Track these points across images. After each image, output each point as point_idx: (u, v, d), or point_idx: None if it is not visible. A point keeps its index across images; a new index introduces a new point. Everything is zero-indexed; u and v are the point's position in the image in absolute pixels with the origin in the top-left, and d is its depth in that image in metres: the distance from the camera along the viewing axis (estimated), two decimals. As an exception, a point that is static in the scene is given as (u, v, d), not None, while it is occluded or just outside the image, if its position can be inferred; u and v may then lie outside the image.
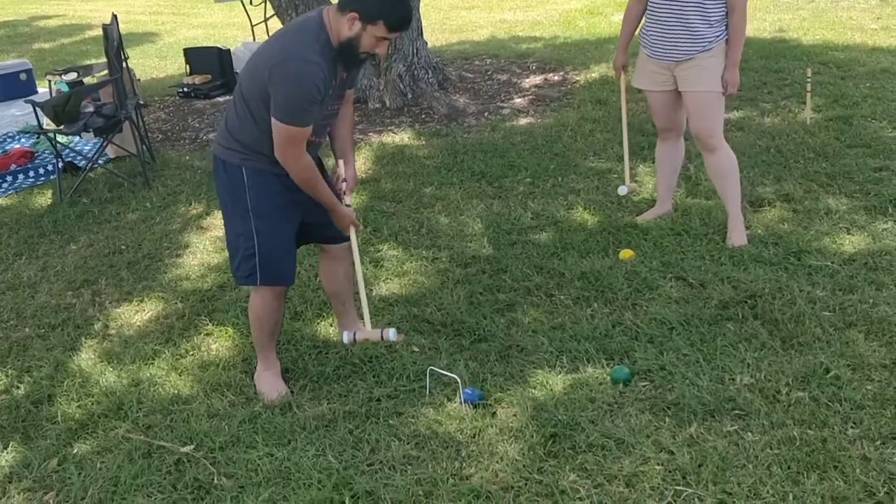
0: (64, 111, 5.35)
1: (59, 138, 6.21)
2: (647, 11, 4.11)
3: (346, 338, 3.10)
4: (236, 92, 2.98)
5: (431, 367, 3.12)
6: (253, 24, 9.93)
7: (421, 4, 7.79)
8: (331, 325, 3.69)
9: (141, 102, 8.47)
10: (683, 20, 3.92)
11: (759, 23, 9.74)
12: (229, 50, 8.72)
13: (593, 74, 7.90)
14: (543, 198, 5.03)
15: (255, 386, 3.26)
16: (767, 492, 2.45)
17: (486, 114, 7.03)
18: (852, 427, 2.71)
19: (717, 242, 4.15)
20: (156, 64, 10.94)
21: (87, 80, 6.76)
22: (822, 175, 4.90)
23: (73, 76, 6.08)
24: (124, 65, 6.05)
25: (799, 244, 4.03)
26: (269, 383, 3.22)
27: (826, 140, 5.49)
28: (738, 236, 4.15)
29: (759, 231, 4.26)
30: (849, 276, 3.69)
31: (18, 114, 8.00)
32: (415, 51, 7.50)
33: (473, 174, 5.52)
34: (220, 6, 14.27)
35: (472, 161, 5.74)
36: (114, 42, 5.60)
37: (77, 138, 6.28)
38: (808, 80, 5.89)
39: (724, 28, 3.94)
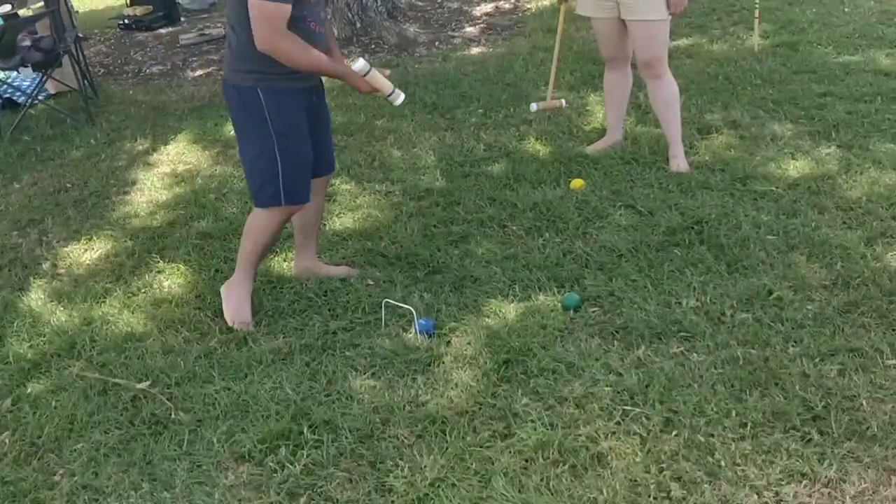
0: (-1, 45, 5.16)
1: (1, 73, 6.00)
2: None
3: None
4: (229, 9, 2.91)
5: (387, 300, 3.15)
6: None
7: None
8: (284, 261, 3.68)
9: (80, 35, 8.20)
10: None
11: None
12: (170, -21, 8.44)
13: (544, 2, 7.83)
14: (496, 129, 5.02)
15: (221, 300, 3.22)
16: (712, 409, 2.54)
17: (437, 43, 6.95)
18: (793, 346, 2.81)
19: (665, 170, 4.21)
20: (91, -6, 10.56)
21: (23, 12, 6.50)
22: (768, 101, 4.97)
23: (6, 8, 5.84)
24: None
25: (745, 170, 4.11)
26: (240, 305, 3.19)
27: (773, 66, 5.55)
28: (680, 161, 4.21)
29: (707, 158, 4.32)
30: (792, 201, 3.78)
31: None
32: (362, -22, 7.34)
33: (426, 106, 5.48)
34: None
35: (424, 92, 5.69)
36: (47, -28, 5.38)
37: (15, 74, 6.06)
38: (756, 5, 5.91)
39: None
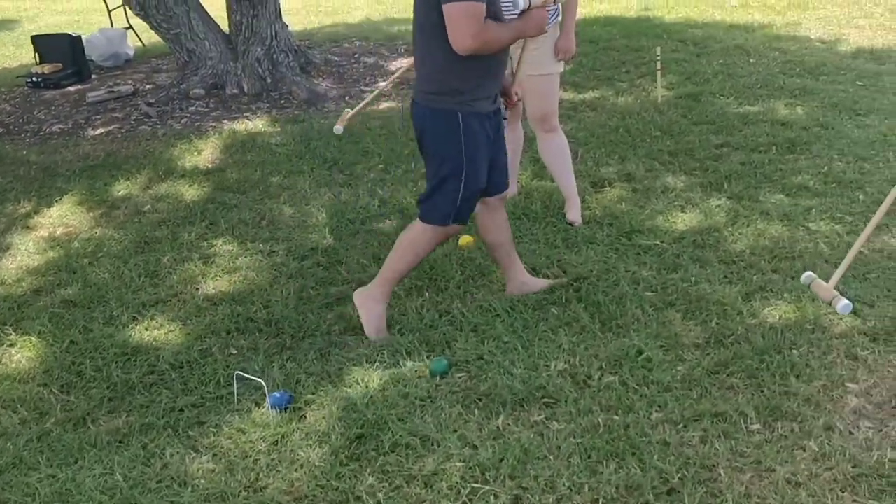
0: None
1: None
2: None
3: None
4: (416, 34, 2.98)
5: (238, 372, 2.96)
6: (109, 9, 9.46)
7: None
8: (146, 329, 3.47)
9: (-17, 94, 7.95)
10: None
11: (627, 1, 9.86)
12: (80, 36, 8.26)
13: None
14: (394, 184, 4.90)
15: (356, 308, 3.30)
16: (563, 484, 2.39)
17: (346, 98, 6.86)
18: (657, 411, 2.68)
19: (554, 224, 4.11)
20: (11, 53, 10.32)
21: None
22: (664, 153, 4.93)
23: None
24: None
25: (632, 224, 4.03)
26: (380, 324, 3.29)
27: (674, 118, 5.54)
28: (575, 213, 4.14)
29: (598, 212, 4.24)
30: (675, 255, 3.70)
31: None
32: (273, 33, 7.26)
33: (325, 161, 5.35)
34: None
35: (326, 148, 5.56)
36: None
37: None
38: (658, 58, 5.94)
39: (555, 6, 3.88)
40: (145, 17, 7.15)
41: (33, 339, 3.46)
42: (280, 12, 7.45)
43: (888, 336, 2.97)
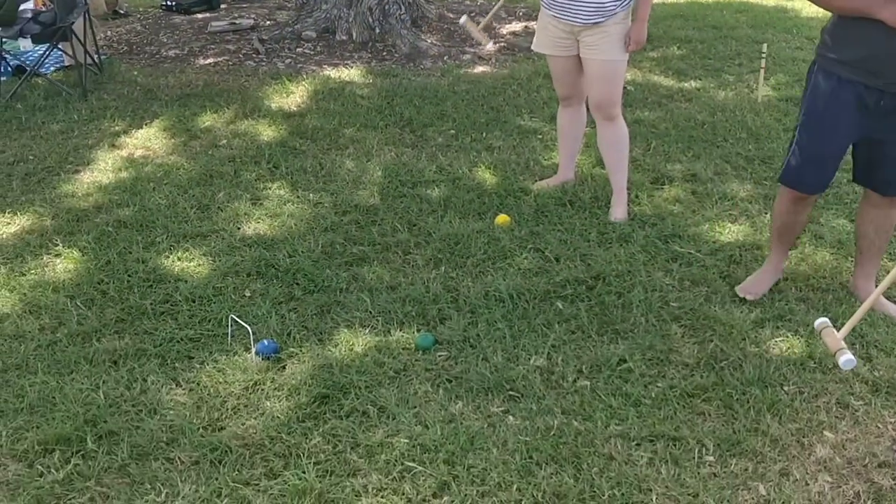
0: (-2, 15, 5.34)
1: (11, 43, 6.23)
2: None
3: None
4: None
5: (232, 316, 3.10)
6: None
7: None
8: (177, 260, 3.68)
9: (121, 11, 8.46)
10: None
11: (771, -12, 9.31)
12: (215, -34, 8.60)
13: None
14: (457, 152, 4.92)
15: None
16: (493, 479, 2.40)
17: (445, 57, 6.86)
18: (616, 424, 2.63)
19: (596, 216, 4.03)
20: (160, -27, 10.84)
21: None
22: (741, 157, 4.71)
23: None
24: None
25: (675, 227, 3.90)
26: (756, 279, 3.36)
27: (767, 120, 5.26)
28: (621, 210, 4.03)
29: (647, 209, 4.12)
30: (704, 267, 3.56)
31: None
32: (389, -16, 7.32)
33: (401, 119, 5.41)
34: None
35: (405, 106, 5.62)
36: (57, -52, 5.54)
37: (30, 43, 6.27)
38: (763, 55, 5.63)
39: None
40: (269, -45, 7.35)
41: (76, 253, 3.73)
42: (399, -37, 7.48)
43: (890, 389, 2.78)
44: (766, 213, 4.05)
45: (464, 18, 4.60)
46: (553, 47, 4.03)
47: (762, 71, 5.64)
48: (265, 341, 3.01)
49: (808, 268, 3.57)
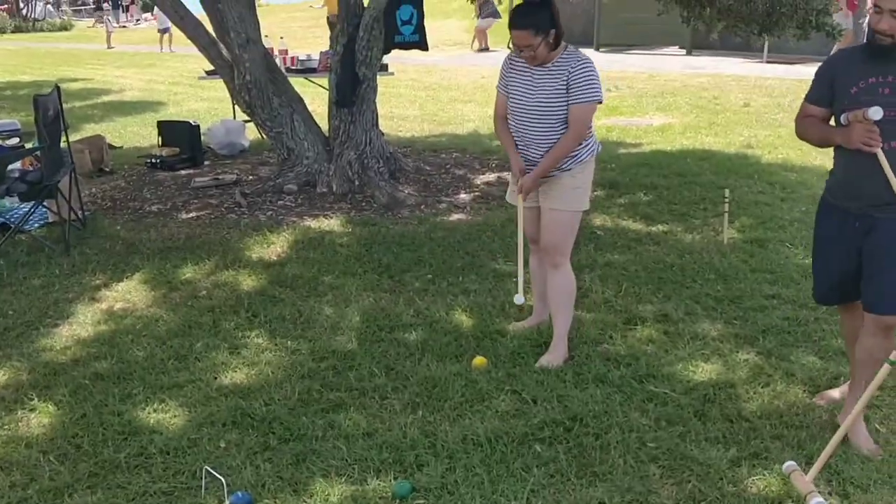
0: (-13, 174, 5.51)
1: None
2: (511, 130, 4.07)
3: None
4: None
5: (206, 468, 3.07)
6: (234, 101, 10.21)
7: (379, 98, 7.95)
8: (153, 412, 3.66)
9: (106, 169, 8.72)
10: (541, 138, 3.91)
11: (734, 137, 9.80)
12: (198, 125, 8.97)
13: (544, 176, 7.94)
14: (434, 296, 5.01)
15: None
16: None
17: (423, 206, 7.08)
18: (597, 570, 2.59)
19: (572, 358, 4.08)
20: (147, 133, 11.24)
21: (29, 145, 6.97)
22: (710, 298, 4.83)
23: (14, 141, 6.29)
24: (64, 133, 6.25)
25: (649, 367, 3.95)
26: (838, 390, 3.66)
27: (734, 262, 5.43)
28: (555, 357, 4.05)
29: (621, 349, 4.19)
30: (679, 407, 3.59)
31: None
32: (367, 140, 7.64)
33: (379, 266, 5.53)
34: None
35: (384, 253, 5.76)
36: (48, 113, 5.79)
37: (17, 201, 6.43)
38: (726, 200, 5.87)
39: (585, 147, 3.96)
40: (251, 115, 7.71)
41: (51, 407, 3.71)
42: (377, 121, 7.85)
43: (871, 527, 2.77)
44: (737, 352, 4.13)
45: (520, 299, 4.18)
46: (517, 199, 4.14)
47: (726, 215, 5.86)
48: (239, 493, 2.98)
49: (783, 404, 3.61)
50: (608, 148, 9.28)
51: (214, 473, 3.02)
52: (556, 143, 3.88)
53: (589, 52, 21.31)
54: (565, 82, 3.80)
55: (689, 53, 19.59)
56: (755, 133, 9.93)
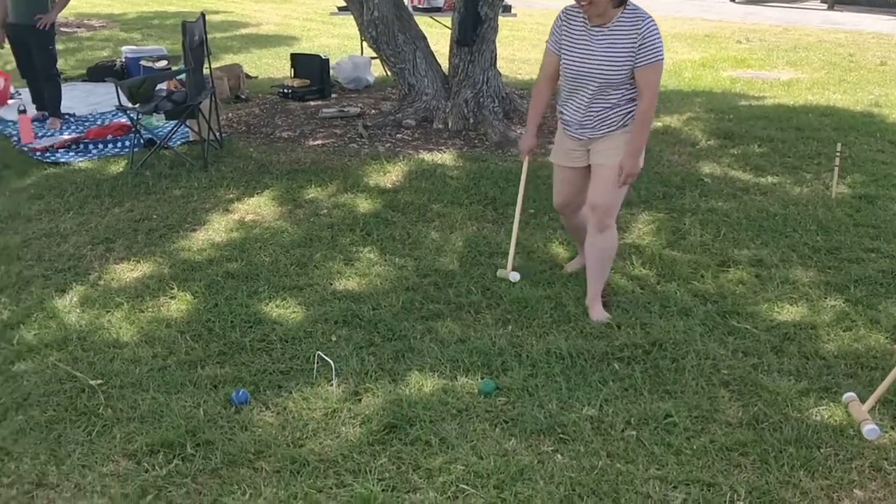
0: (138, 92, 6.09)
1: (146, 119, 7.02)
2: (562, 89, 4.01)
3: None
4: None
5: (319, 353, 3.50)
6: (362, 37, 10.61)
7: (501, 40, 8.14)
8: (276, 307, 4.12)
9: (242, 96, 9.30)
10: (598, 99, 3.81)
11: (862, 95, 9.50)
12: (328, 59, 9.42)
13: (658, 123, 8.01)
14: (534, 229, 5.28)
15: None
16: (537, 503, 2.66)
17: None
18: (656, 468, 2.86)
19: (657, 293, 4.29)
20: (280, 65, 11.81)
21: (176, 67, 7.54)
22: (808, 247, 4.90)
23: (163, 63, 6.85)
24: (207, 60, 6.79)
25: (735, 305, 4.12)
26: None
27: (839, 216, 5.44)
28: (598, 310, 4.04)
29: (710, 288, 4.36)
30: (758, 341, 3.77)
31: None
32: (485, 79, 7.88)
33: (485, 198, 5.83)
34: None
35: (490, 187, 6.05)
36: (194, 38, 6.31)
37: (163, 120, 7.05)
38: (837, 154, 5.84)
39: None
40: (377, 50, 8.07)
41: (188, 296, 4.22)
42: (495, 61, 8.07)
43: (925, 458, 2.92)
44: (825, 298, 4.23)
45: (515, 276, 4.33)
46: (565, 158, 4.17)
47: (836, 168, 5.83)
48: (241, 390, 3.30)
49: (861, 347, 3.73)
50: (728, 99, 9.20)
51: (325, 358, 3.44)
52: (610, 108, 3.80)
53: (723, 3, 20.46)
54: (634, 45, 3.64)
55: (830, 8, 18.70)
56: (887, 92, 9.59)
